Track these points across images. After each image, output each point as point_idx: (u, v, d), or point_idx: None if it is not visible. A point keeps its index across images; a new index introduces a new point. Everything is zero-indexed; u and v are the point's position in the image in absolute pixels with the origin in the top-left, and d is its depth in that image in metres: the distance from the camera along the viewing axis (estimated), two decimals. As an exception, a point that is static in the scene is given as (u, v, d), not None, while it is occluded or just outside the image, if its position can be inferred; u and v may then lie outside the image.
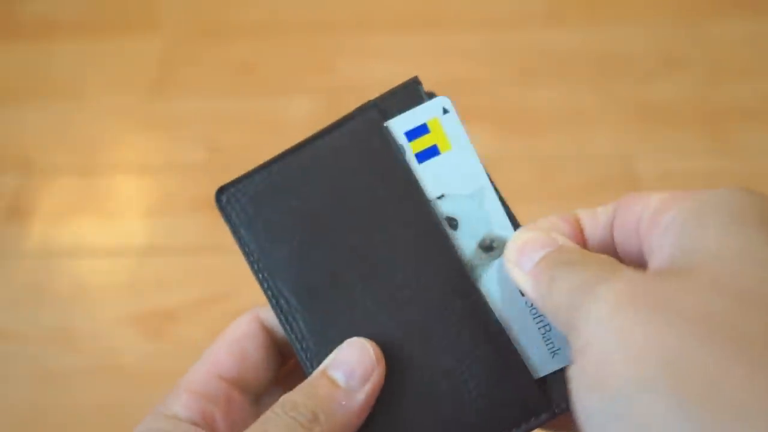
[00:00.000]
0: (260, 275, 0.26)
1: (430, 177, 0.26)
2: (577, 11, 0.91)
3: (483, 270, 0.26)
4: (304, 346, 0.25)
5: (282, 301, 0.26)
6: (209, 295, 0.73)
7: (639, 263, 0.22)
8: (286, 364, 0.29)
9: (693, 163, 0.78)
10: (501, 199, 0.27)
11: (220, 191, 0.27)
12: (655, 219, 0.21)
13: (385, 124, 0.27)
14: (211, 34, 0.94)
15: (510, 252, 0.24)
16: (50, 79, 0.92)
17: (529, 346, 0.25)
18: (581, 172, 0.78)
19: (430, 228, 0.26)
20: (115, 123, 0.88)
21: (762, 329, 0.16)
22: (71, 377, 0.70)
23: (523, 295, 0.25)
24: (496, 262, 0.26)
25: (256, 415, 0.26)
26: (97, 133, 0.87)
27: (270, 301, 0.26)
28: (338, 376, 0.24)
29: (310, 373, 0.25)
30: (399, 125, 0.27)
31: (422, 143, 0.27)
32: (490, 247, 0.26)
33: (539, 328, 0.25)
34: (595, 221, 0.24)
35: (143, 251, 0.78)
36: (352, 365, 0.24)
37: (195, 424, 0.25)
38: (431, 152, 0.27)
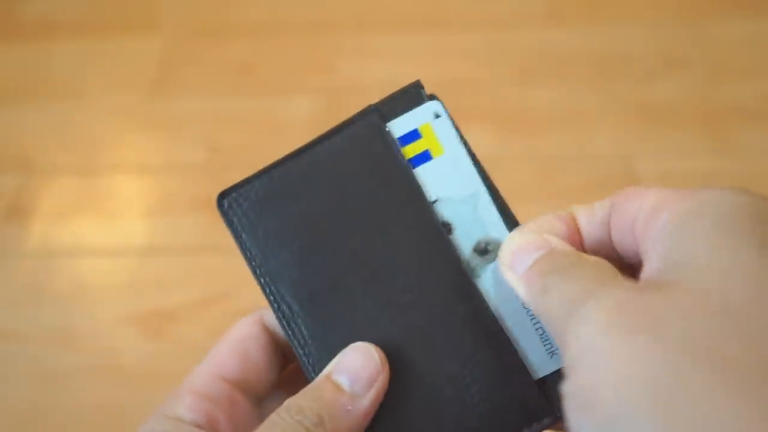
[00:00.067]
0: (262, 280, 0.26)
1: (423, 182, 0.27)
2: (577, 11, 0.91)
3: (480, 271, 0.26)
4: (306, 351, 0.25)
5: (284, 306, 0.26)
6: (209, 295, 0.73)
7: (637, 261, 0.22)
8: (288, 367, 0.29)
9: (693, 163, 0.78)
10: (500, 198, 0.27)
11: (222, 196, 0.27)
12: (649, 222, 0.21)
13: (386, 128, 0.27)
14: (211, 34, 0.94)
15: (503, 255, 0.24)
16: (50, 79, 0.92)
17: (528, 347, 0.25)
18: (581, 172, 0.78)
19: (431, 232, 0.26)
20: (115, 123, 0.88)
21: (745, 350, 0.16)
22: (71, 377, 0.70)
23: None
24: (493, 263, 0.26)
25: (259, 417, 0.26)
26: (97, 133, 0.87)
27: (272, 305, 0.26)
28: (343, 380, 0.24)
29: (312, 378, 0.25)
30: (393, 130, 0.27)
31: (415, 148, 0.27)
32: (486, 251, 0.26)
33: (537, 329, 0.25)
34: (591, 218, 0.24)
35: (143, 251, 0.78)
36: (357, 370, 0.24)
37: (199, 426, 0.25)
38: (424, 157, 0.27)
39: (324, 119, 0.83)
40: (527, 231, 0.24)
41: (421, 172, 0.27)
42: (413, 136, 0.27)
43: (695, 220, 0.19)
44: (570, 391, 0.19)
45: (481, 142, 0.86)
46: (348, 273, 0.26)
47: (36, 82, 0.92)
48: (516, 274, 0.23)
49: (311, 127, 0.83)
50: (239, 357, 0.26)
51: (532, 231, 0.24)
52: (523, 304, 0.25)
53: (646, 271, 0.20)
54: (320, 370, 0.25)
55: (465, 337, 0.25)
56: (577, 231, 0.24)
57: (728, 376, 0.16)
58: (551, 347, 0.25)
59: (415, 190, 0.26)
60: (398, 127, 0.27)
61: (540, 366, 0.25)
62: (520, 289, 0.23)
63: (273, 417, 0.23)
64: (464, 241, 0.26)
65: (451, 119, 0.28)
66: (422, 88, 0.28)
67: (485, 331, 0.25)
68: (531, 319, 0.25)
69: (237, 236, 0.26)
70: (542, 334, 0.25)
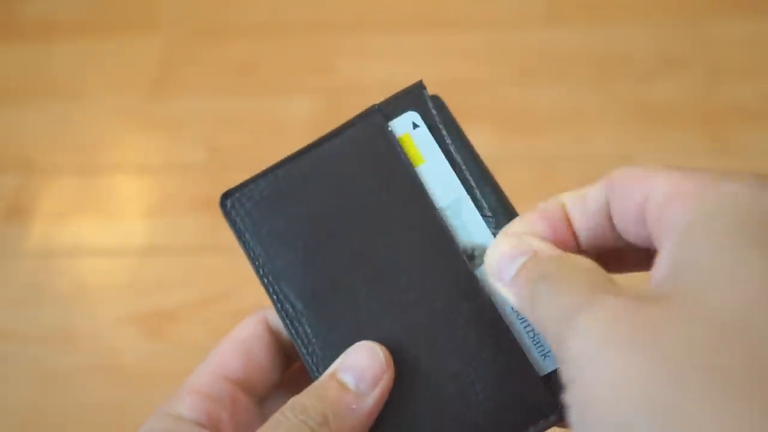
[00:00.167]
0: (265, 280, 0.26)
1: None
2: (577, 11, 0.91)
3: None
4: (309, 350, 0.25)
5: (287, 306, 0.26)
6: (209, 295, 0.73)
7: (647, 248, 0.22)
8: (292, 367, 0.28)
9: (693, 163, 0.78)
10: (502, 193, 0.27)
11: (225, 196, 0.27)
12: (663, 213, 0.20)
13: (389, 129, 0.27)
14: (211, 34, 0.94)
15: (488, 265, 0.24)
16: (50, 79, 0.92)
17: (531, 346, 0.25)
18: (581, 172, 0.78)
19: (435, 231, 0.26)
20: (115, 123, 0.88)
21: (743, 365, 0.16)
22: (71, 377, 0.70)
23: None
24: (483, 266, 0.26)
25: (261, 417, 0.26)
26: (97, 133, 0.87)
27: (275, 305, 0.26)
28: (348, 379, 0.24)
29: (316, 377, 0.25)
30: (395, 130, 0.27)
31: None
32: (472, 256, 0.26)
33: (528, 332, 0.25)
34: (584, 207, 0.23)
35: (143, 251, 0.78)
36: (362, 368, 0.24)
37: (200, 424, 0.24)
38: None
39: (324, 119, 0.83)
40: (509, 236, 0.24)
41: None
42: None
43: (708, 222, 0.18)
44: (569, 402, 0.19)
45: (481, 142, 0.85)
46: (351, 272, 0.26)
47: (36, 82, 0.92)
48: (503, 283, 0.23)
49: (311, 127, 0.83)
50: (242, 356, 0.26)
51: (515, 235, 0.23)
52: (512, 308, 0.25)
53: (655, 274, 0.20)
54: (324, 370, 0.25)
55: (469, 335, 0.25)
56: (567, 224, 0.24)
57: (727, 389, 0.16)
58: (543, 349, 0.25)
59: (418, 189, 0.26)
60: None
61: (545, 362, 0.25)
62: (510, 298, 0.23)
63: (277, 416, 0.23)
64: None
65: (449, 119, 0.28)
66: (424, 88, 0.28)
67: (489, 328, 0.25)
68: (521, 322, 0.25)
69: (240, 236, 0.26)
70: (533, 337, 0.25)
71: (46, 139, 0.87)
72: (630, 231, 0.22)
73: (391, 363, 0.24)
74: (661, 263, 0.19)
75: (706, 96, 0.83)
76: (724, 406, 0.16)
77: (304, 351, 0.25)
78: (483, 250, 0.26)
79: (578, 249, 0.24)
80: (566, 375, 0.19)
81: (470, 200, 0.26)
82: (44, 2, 0.98)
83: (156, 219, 0.80)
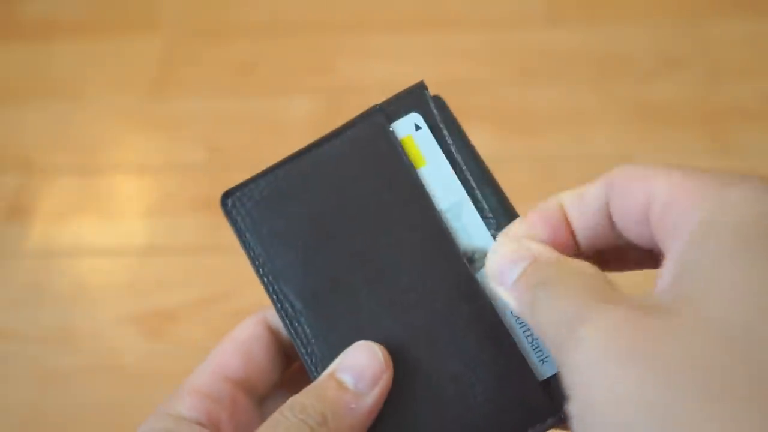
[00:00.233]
0: (265, 279, 0.26)
1: None
2: (577, 11, 0.91)
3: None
4: (308, 350, 0.25)
5: (287, 305, 0.26)
6: (209, 295, 0.73)
7: (654, 247, 0.21)
8: (291, 367, 0.28)
9: (693, 163, 0.78)
10: (502, 194, 0.27)
11: (226, 195, 0.27)
12: (665, 216, 0.20)
13: (390, 128, 0.27)
14: (211, 34, 0.94)
15: (489, 270, 0.24)
16: (50, 79, 0.92)
17: (530, 350, 0.25)
18: (581, 172, 0.78)
19: (436, 231, 0.26)
20: (115, 123, 0.88)
21: (743, 370, 0.16)
22: (71, 377, 0.70)
23: None
24: (484, 269, 0.26)
25: (261, 417, 0.26)
26: (97, 133, 0.87)
27: (275, 305, 0.26)
28: (347, 378, 0.24)
29: (315, 377, 0.25)
30: (396, 131, 0.27)
31: None
32: (472, 259, 0.26)
33: (527, 336, 0.25)
34: (583, 207, 0.23)
35: (143, 251, 0.78)
36: (361, 368, 0.24)
37: (200, 424, 0.24)
38: None
39: (324, 119, 0.83)
40: (509, 240, 0.23)
41: None
42: None
43: (712, 229, 0.18)
44: (572, 412, 0.18)
45: (481, 142, 0.85)
46: (351, 272, 0.26)
47: (36, 82, 0.92)
48: (504, 288, 0.23)
49: (311, 127, 0.83)
50: (242, 356, 0.26)
51: (515, 239, 0.23)
52: (512, 312, 0.25)
53: (660, 281, 0.19)
54: (323, 369, 0.25)
55: (469, 337, 0.25)
56: (566, 224, 0.23)
57: (726, 393, 0.16)
58: (542, 354, 0.25)
59: (419, 190, 0.26)
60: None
61: (544, 367, 0.25)
62: (511, 303, 0.22)
63: (276, 416, 0.23)
64: None
65: (450, 119, 0.28)
66: (426, 89, 0.28)
67: (489, 331, 0.25)
68: (521, 326, 0.25)
69: (240, 235, 0.26)
70: (532, 342, 0.25)
71: (46, 139, 0.87)
72: (631, 230, 0.22)
73: (390, 363, 0.24)
74: (665, 271, 0.19)
75: (706, 96, 0.83)
76: (723, 409, 0.15)
77: (303, 351, 0.25)
78: (483, 254, 0.26)
79: (578, 249, 0.24)
80: (567, 381, 0.19)
81: (471, 203, 0.26)
82: (44, 2, 0.98)
83: (156, 219, 0.80)
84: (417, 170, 0.27)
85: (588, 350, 0.18)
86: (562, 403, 0.24)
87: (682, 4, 0.90)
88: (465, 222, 0.26)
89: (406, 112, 0.27)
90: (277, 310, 0.26)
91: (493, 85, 0.86)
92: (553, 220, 0.23)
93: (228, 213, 0.27)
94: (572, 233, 0.23)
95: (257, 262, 0.26)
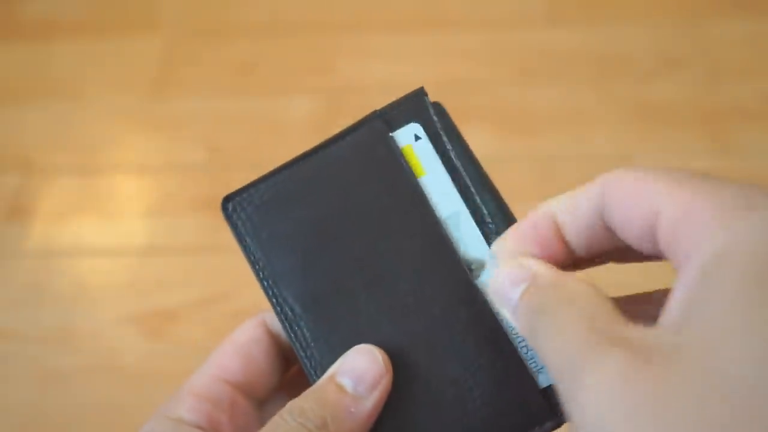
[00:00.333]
0: (265, 283, 0.26)
1: None
2: (577, 11, 0.91)
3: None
4: (308, 353, 0.25)
5: (286, 309, 0.26)
6: (209, 295, 0.73)
7: (655, 255, 0.21)
8: (290, 370, 0.28)
9: (693, 163, 0.78)
10: (501, 200, 0.27)
11: (227, 200, 0.27)
12: (676, 238, 0.19)
13: (390, 134, 0.27)
14: (211, 34, 0.94)
15: (492, 292, 0.23)
16: (50, 79, 0.92)
17: (526, 360, 0.25)
18: (581, 172, 0.78)
19: (435, 236, 0.26)
20: (115, 123, 0.88)
21: (750, 426, 0.15)
22: (71, 377, 0.70)
23: None
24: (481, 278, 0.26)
25: (260, 420, 0.26)
26: (97, 133, 0.87)
27: (274, 308, 0.26)
28: (346, 382, 0.24)
29: (315, 381, 0.25)
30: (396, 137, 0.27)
31: None
32: (468, 269, 0.26)
33: (521, 348, 0.25)
34: (576, 218, 0.22)
35: (143, 251, 0.78)
36: (360, 372, 0.24)
37: (200, 427, 0.24)
38: None
39: (324, 119, 0.83)
40: (510, 259, 0.23)
41: None
42: None
43: (725, 267, 0.17)
44: None
45: (481, 142, 0.86)
46: (351, 277, 0.26)
47: (36, 82, 0.92)
48: (507, 310, 0.22)
49: (311, 127, 0.83)
50: (242, 359, 0.26)
51: (515, 259, 0.23)
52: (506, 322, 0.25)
53: (667, 315, 0.19)
54: (322, 373, 0.25)
55: (468, 341, 0.25)
56: (558, 235, 0.23)
57: None
58: (537, 365, 0.25)
59: (419, 196, 0.26)
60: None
61: (544, 375, 0.25)
62: (514, 325, 0.22)
63: (276, 419, 0.23)
64: None
65: (450, 126, 0.28)
66: (426, 95, 0.28)
67: (488, 335, 0.25)
68: (517, 336, 0.25)
69: (241, 240, 0.26)
70: (527, 352, 0.25)
71: (46, 139, 0.87)
72: (633, 241, 0.21)
73: (390, 366, 0.24)
74: (673, 303, 0.19)
75: (706, 96, 0.83)
76: None
77: (303, 354, 0.25)
78: (480, 264, 0.26)
79: (574, 257, 0.23)
80: (573, 423, 0.18)
81: (469, 214, 0.26)
82: (44, 2, 0.98)
83: (156, 219, 0.80)
84: (417, 179, 0.27)
85: (592, 402, 0.17)
86: (560, 406, 0.24)
87: (682, 4, 0.90)
88: (463, 233, 0.26)
89: (407, 120, 0.27)
90: (277, 314, 0.26)
91: (493, 85, 0.86)
92: (543, 232, 0.23)
93: (228, 217, 0.27)
94: (566, 242, 0.23)
95: (257, 266, 0.26)
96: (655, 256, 0.21)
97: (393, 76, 0.84)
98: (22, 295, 0.76)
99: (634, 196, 0.20)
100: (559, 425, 0.25)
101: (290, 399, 0.24)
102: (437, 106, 0.28)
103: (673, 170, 0.20)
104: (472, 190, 0.27)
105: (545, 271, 0.22)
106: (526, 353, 0.25)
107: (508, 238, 0.24)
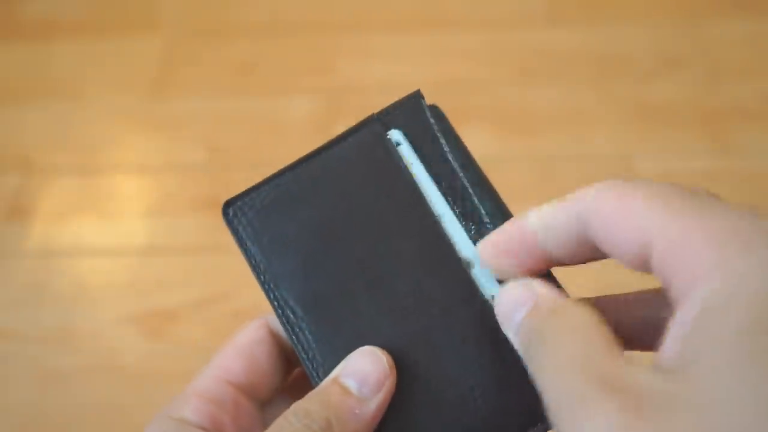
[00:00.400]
0: (266, 286, 0.26)
1: None
2: (577, 11, 0.91)
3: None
4: (310, 355, 0.25)
5: (288, 312, 0.26)
6: (209, 295, 0.73)
7: (646, 271, 0.21)
8: (293, 371, 0.29)
9: (693, 163, 0.78)
10: (499, 200, 0.27)
11: (227, 205, 0.27)
12: (673, 271, 0.19)
13: (388, 137, 0.27)
14: (211, 34, 0.94)
15: (497, 313, 0.24)
16: (50, 79, 0.92)
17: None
18: (581, 172, 0.78)
19: (434, 237, 0.26)
20: (115, 123, 0.88)
21: None
22: (71, 377, 0.70)
23: None
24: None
25: (263, 421, 0.26)
26: (97, 133, 0.87)
27: (276, 311, 0.26)
28: (351, 384, 0.24)
29: (317, 383, 0.25)
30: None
31: None
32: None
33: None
34: (556, 237, 0.22)
35: (143, 251, 0.78)
36: (365, 373, 0.24)
37: (203, 428, 0.25)
38: None
39: (324, 119, 0.83)
40: (514, 281, 0.23)
41: None
42: None
43: (724, 312, 0.17)
44: None
45: (481, 142, 0.86)
46: (352, 278, 0.26)
47: (36, 82, 0.92)
48: (510, 332, 0.23)
49: (311, 127, 0.83)
50: (245, 361, 0.26)
51: (517, 282, 0.23)
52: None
53: (663, 354, 0.19)
54: (324, 375, 0.25)
55: (468, 341, 0.25)
56: (536, 249, 0.23)
57: None
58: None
59: (417, 196, 0.27)
60: None
61: None
62: (516, 347, 0.22)
63: (280, 421, 0.23)
64: None
65: (447, 128, 0.28)
66: (422, 97, 0.28)
67: (488, 334, 0.25)
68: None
69: (242, 244, 0.27)
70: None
71: (46, 139, 0.87)
72: (621, 261, 0.21)
73: (394, 368, 0.24)
74: (670, 343, 0.18)
75: (706, 96, 0.83)
76: None
77: (305, 356, 0.25)
78: (467, 264, 0.26)
79: (557, 263, 0.23)
80: None
81: (453, 216, 0.27)
82: (44, 2, 0.98)
83: (156, 219, 0.80)
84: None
85: None
86: None
87: (682, 4, 0.90)
88: (449, 234, 0.26)
89: (405, 121, 0.28)
90: (279, 316, 0.26)
91: (493, 85, 0.86)
92: (522, 243, 0.23)
93: (229, 222, 0.27)
94: (547, 254, 0.23)
95: (258, 270, 0.26)
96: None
97: (393, 76, 0.84)
98: (22, 295, 0.76)
99: (622, 221, 0.20)
100: None
101: (293, 401, 0.24)
102: (434, 109, 0.28)
103: (660, 188, 0.20)
104: (470, 191, 0.27)
105: (548, 295, 0.22)
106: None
107: (488, 245, 0.24)
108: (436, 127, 0.28)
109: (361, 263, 0.26)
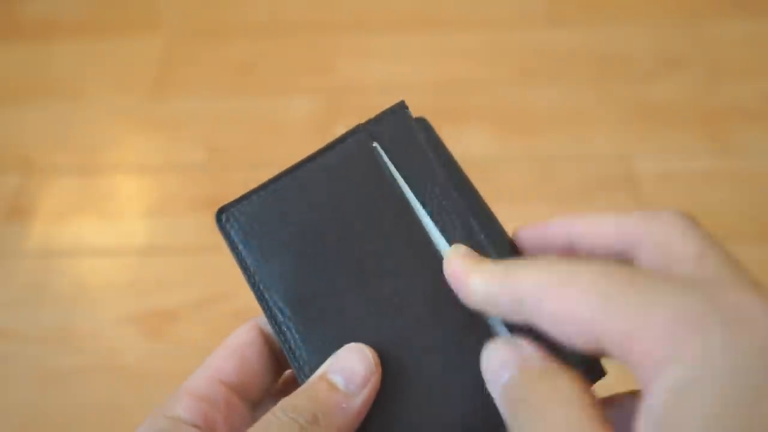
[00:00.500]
0: (257, 288, 0.27)
1: None
2: (577, 11, 0.91)
3: None
4: (297, 354, 0.26)
5: (276, 312, 0.27)
6: (209, 295, 0.73)
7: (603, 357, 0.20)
8: (283, 373, 0.29)
9: (693, 163, 0.78)
10: (486, 209, 0.28)
11: (220, 211, 0.28)
12: (632, 357, 0.19)
13: (375, 146, 0.28)
14: (211, 34, 0.94)
15: (483, 370, 0.24)
16: (50, 79, 0.92)
17: None
18: (581, 172, 0.78)
19: (418, 240, 0.27)
20: (115, 123, 0.88)
21: None
22: (71, 377, 0.70)
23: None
24: None
25: (254, 421, 0.26)
26: (97, 133, 0.87)
27: (265, 312, 0.27)
28: (338, 379, 0.24)
29: (303, 380, 0.25)
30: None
31: None
32: None
33: None
34: (500, 310, 0.22)
35: (143, 251, 0.78)
36: (351, 369, 0.25)
37: (196, 426, 0.25)
38: None
39: (324, 119, 0.83)
40: (500, 343, 0.24)
41: None
42: None
43: (686, 398, 0.17)
44: None
45: (481, 142, 0.86)
46: (339, 281, 0.27)
47: (36, 82, 0.92)
48: (495, 391, 0.23)
49: (311, 127, 0.83)
50: (236, 362, 0.27)
51: (505, 341, 0.23)
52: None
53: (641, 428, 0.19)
54: (311, 373, 0.25)
55: (453, 339, 0.26)
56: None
57: None
58: None
59: (404, 202, 0.28)
60: None
61: None
62: (501, 409, 0.23)
63: (268, 416, 0.23)
64: None
65: (434, 140, 0.29)
66: (406, 108, 0.29)
67: (473, 332, 0.26)
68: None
69: (234, 249, 0.28)
70: None
71: (46, 139, 0.87)
72: (568, 344, 0.21)
73: (379, 365, 0.25)
74: (643, 429, 0.18)
75: (706, 96, 0.83)
76: None
77: (292, 355, 0.26)
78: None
79: None
80: None
81: (429, 216, 0.27)
82: (44, 2, 0.98)
83: (156, 219, 0.80)
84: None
85: None
86: None
87: (682, 4, 0.91)
88: (434, 238, 0.27)
89: (390, 131, 0.29)
90: (268, 317, 0.27)
91: (493, 85, 0.86)
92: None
93: (222, 228, 0.28)
94: None
95: (249, 273, 0.27)
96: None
97: (392, 76, 0.84)
98: (22, 295, 0.76)
99: (567, 317, 0.20)
100: None
101: None
102: (422, 121, 0.29)
103: (600, 277, 0.20)
104: (453, 204, 0.28)
105: (534, 358, 0.22)
106: None
107: (448, 273, 0.25)
108: (423, 137, 0.29)
109: (348, 266, 0.27)
